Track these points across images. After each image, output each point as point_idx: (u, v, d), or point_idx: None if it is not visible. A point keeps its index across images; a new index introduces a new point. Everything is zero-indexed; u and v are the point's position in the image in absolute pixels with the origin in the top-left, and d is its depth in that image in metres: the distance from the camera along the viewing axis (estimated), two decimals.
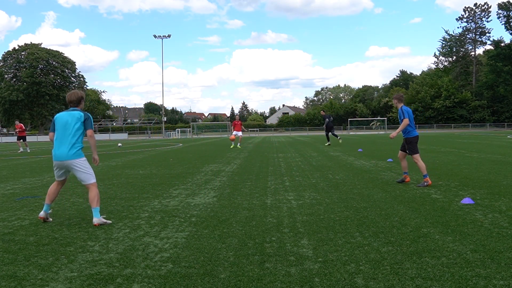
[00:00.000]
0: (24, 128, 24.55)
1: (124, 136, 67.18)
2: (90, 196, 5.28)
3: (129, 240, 4.41)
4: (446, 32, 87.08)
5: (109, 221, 5.25)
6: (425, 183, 7.37)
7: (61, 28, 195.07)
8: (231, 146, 23.13)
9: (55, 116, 5.43)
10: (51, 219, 5.44)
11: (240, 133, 23.97)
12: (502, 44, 74.17)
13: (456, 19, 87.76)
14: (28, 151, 23.85)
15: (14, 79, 75.81)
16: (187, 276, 3.34)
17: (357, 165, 11.40)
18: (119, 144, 31.15)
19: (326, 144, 21.81)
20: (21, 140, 23.74)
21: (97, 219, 5.14)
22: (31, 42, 79.06)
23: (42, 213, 5.35)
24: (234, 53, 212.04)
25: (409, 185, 7.69)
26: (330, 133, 22.18)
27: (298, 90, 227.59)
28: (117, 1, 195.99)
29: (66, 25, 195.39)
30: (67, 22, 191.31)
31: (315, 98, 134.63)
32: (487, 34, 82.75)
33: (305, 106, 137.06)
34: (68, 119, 5.30)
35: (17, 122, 24.96)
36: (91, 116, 5.54)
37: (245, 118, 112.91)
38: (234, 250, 3.97)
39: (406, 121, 7.56)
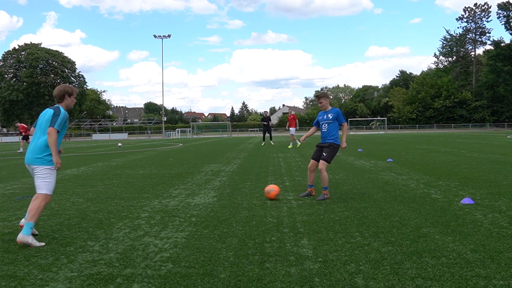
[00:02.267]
0: (26, 127, 24.40)
1: (124, 136, 67.19)
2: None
3: (129, 240, 4.41)
4: (447, 31, 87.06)
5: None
6: (326, 196, 6.50)
7: (62, 28, 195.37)
8: (289, 147, 20.75)
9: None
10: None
11: (293, 130, 21.88)
12: (502, 44, 74.15)
13: (456, 19, 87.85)
14: None
15: (14, 79, 75.78)
16: (187, 276, 3.34)
17: (357, 165, 11.39)
18: (119, 144, 31.16)
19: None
20: (25, 140, 23.65)
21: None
22: (31, 42, 79.04)
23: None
24: (234, 53, 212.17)
25: (409, 185, 7.69)
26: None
27: (298, 90, 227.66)
28: (118, 1, 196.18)
29: (67, 25, 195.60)
30: (68, 23, 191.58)
31: (315, 98, 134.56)
32: (487, 34, 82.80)
33: (305, 106, 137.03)
34: (43, 116, 4.74)
35: (17, 123, 24.85)
36: (62, 114, 4.67)
37: (245, 118, 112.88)
38: (234, 250, 3.97)
39: (346, 125, 6.84)
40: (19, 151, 22.98)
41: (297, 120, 22.22)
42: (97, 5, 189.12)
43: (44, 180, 4.59)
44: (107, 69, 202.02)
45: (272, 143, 24.21)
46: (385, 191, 7.10)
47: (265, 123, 23.30)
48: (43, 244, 4.32)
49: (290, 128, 21.86)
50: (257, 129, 77.00)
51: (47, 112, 4.74)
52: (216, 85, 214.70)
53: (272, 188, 6.59)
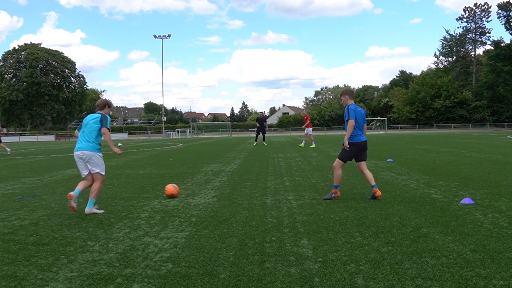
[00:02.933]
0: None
1: (124, 136, 67.18)
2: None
3: (129, 240, 4.41)
4: (447, 32, 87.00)
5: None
6: (333, 195, 6.45)
7: (62, 28, 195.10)
8: (312, 146, 20.76)
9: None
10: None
11: (310, 130, 21.71)
12: (502, 44, 74.11)
13: (456, 19, 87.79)
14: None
15: (14, 79, 75.76)
16: (187, 276, 3.34)
17: None
18: (119, 144, 31.14)
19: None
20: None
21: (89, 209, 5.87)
22: (31, 42, 79.01)
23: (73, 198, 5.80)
24: (234, 53, 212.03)
25: (409, 185, 7.69)
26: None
27: (298, 90, 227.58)
28: (119, 1, 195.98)
29: (67, 25, 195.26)
30: (69, 23, 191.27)
31: (315, 98, 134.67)
32: (487, 34, 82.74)
33: (305, 106, 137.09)
34: (90, 118, 6.19)
35: None
36: (108, 117, 6.27)
37: (245, 118, 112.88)
38: (234, 250, 3.97)
39: (351, 123, 6.33)
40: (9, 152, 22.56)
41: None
42: (97, 5, 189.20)
43: (100, 163, 6.05)
44: (107, 69, 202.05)
45: (265, 144, 24.42)
46: (385, 191, 7.10)
47: (258, 124, 23.64)
48: (103, 211, 5.96)
49: (308, 129, 21.65)
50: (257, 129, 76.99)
51: (93, 116, 6.15)
52: (216, 85, 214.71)
53: (169, 188, 6.93)
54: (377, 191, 6.34)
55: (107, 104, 6.38)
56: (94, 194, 5.89)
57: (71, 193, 5.70)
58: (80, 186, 5.96)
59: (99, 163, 6.01)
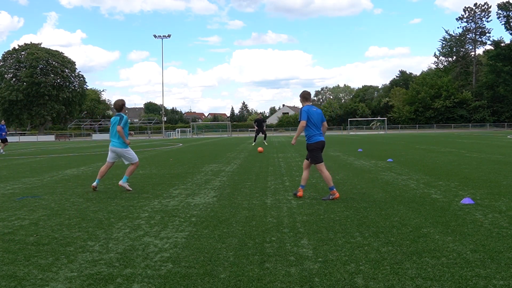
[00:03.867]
0: None
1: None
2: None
3: (129, 240, 4.41)
4: (446, 32, 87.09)
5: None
6: (331, 196, 6.41)
7: (63, 28, 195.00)
8: None
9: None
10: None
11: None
12: (502, 44, 74.16)
13: (456, 19, 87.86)
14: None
15: (14, 79, 75.75)
16: (187, 276, 3.34)
17: (357, 165, 11.40)
18: None
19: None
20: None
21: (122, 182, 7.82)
22: (31, 42, 79.01)
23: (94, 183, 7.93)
24: (234, 53, 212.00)
25: (409, 185, 7.69)
26: None
27: (298, 90, 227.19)
28: (119, 2, 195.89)
29: (67, 25, 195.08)
30: (69, 23, 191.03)
31: (315, 98, 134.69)
32: (487, 34, 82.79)
33: None
34: (113, 121, 7.91)
35: None
36: (125, 117, 7.85)
37: (245, 118, 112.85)
38: (234, 250, 3.97)
39: (302, 124, 6.48)
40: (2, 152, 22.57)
41: None
42: (97, 5, 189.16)
43: (130, 155, 7.90)
44: (108, 69, 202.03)
45: (265, 143, 24.83)
46: (385, 191, 7.10)
47: (257, 125, 24.07)
48: (131, 190, 7.79)
49: None
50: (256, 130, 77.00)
51: (114, 119, 7.85)
52: (216, 85, 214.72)
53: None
54: (300, 191, 6.69)
55: (123, 105, 7.91)
56: (129, 173, 7.87)
57: (94, 184, 7.89)
58: (99, 175, 7.93)
59: (130, 155, 7.88)
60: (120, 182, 7.82)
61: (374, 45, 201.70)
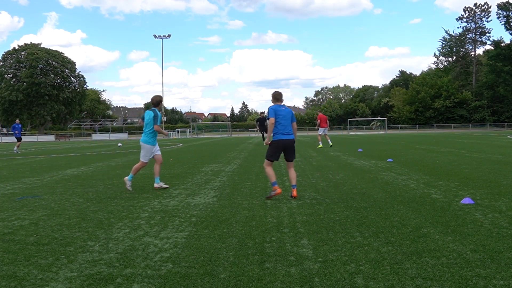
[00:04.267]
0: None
1: (124, 136, 67.19)
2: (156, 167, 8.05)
3: (129, 240, 4.41)
4: (446, 32, 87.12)
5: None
6: (272, 192, 6.60)
7: (63, 29, 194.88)
8: (318, 146, 20.49)
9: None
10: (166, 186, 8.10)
11: (321, 130, 21.08)
12: (502, 44, 74.16)
13: (456, 19, 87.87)
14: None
15: (14, 79, 75.74)
16: (187, 276, 3.34)
17: (357, 165, 11.39)
18: (119, 144, 31.16)
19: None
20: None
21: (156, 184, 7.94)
22: (31, 42, 78.99)
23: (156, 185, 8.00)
24: (234, 53, 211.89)
25: (409, 185, 7.69)
26: None
27: (298, 90, 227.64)
28: (119, 2, 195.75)
29: (68, 26, 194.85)
30: (69, 23, 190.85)
31: (315, 98, 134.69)
32: (487, 34, 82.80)
33: (305, 106, 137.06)
34: (147, 115, 7.93)
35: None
36: (159, 114, 7.92)
37: (245, 118, 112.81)
38: (234, 250, 3.97)
39: (270, 121, 6.63)
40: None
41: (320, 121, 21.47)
42: (98, 5, 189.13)
43: (143, 153, 8.01)
44: (108, 69, 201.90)
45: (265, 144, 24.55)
46: (385, 191, 7.10)
47: (259, 125, 24.09)
48: (167, 186, 8.13)
49: (322, 128, 21.09)
50: (257, 129, 77.04)
51: (150, 113, 7.85)
52: (216, 85, 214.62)
53: None
54: (293, 191, 6.67)
55: (161, 101, 8.08)
56: (156, 172, 8.03)
57: (158, 185, 8.04)
58: (155, 172, 8.07)
59: (144, 153, 8.00)
60: (156, 185, 7.93)
61: (374, 45, 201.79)
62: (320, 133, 21.21)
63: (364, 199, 6.43)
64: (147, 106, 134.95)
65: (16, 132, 23.23)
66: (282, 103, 6.87)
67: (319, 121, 21.29)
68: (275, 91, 6.98)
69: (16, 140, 23.51)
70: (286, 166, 7.05)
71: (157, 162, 8.05)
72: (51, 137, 64.93)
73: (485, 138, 28.59)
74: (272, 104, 6.86)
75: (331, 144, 20.64)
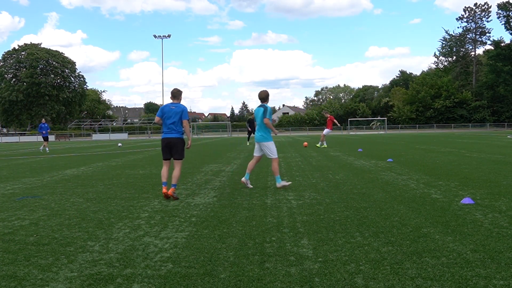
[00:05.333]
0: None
1: (124, 136, 67.18)
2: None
3: (129, 240, 4.41)
4: (446, 32, 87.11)
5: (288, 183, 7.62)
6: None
7: (63, 29, 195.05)
8: (323, 146, 20.44)
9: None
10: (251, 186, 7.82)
11: (328, 130, 20.99)
12: (502, 44, 74.11)
13: (456, 19, 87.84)
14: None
15: (14, 79, 75.74)
16: (187, 276, 3.34)
17: (357, 165, 11.39)
18: (119, 144, 31.16)
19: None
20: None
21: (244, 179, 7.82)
22: (31, 42, 78.98)
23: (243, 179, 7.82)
24: (234, 53, 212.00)
25: (409, 185, 7.69)
26: None
27: (298, 90, 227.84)
28: (119, 2, 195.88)
29: (68, 26, 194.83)
30: (70, 23, 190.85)
31: (315, 98, 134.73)
32: (487, 34, 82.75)
33: (305, 106, 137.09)
34: (257, 113, 7.73)
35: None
36: (269, 108, 7.73)
37: (245, 118, 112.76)
38: (234, 250, 3.97)
39: (155, 120, 7.09)
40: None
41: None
42: (98, 5, 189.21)
43: (271, 149, 7.65)
44: (108, 69, 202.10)
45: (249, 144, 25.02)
46: (385, 191, 7.10)
47: (250, 126, 24.38)
48: (290, 183, 7.73)
49: (328, 129, 20.99)
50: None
51: (259, 110, 7.67)
52: (216, 85, 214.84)
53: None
54: (169, 190, 6.72)
55: (268, 96, 7.78)
56: (276, 171, 7.60)
57: (243, 179, 7.88)
58: (249, 167, 7.92)
59: (271, 149, 7.67)
60: (278, 184, 7.54)
61: (374, 45, 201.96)
62: (325, 133, 21.05)
63: (364, 199, 6.43)
64: (147, 106, 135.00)
65: (44, 132, 23.48)
66: (176, 101, 6.95)
67: (334, 121, 21.04)
68: (174, 89, 7.05)
69: (43, 140, 23.86)
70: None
71: (257, 160, 7.95)
72: (51, 137, 64.88)
73: (485, 138, 28.58)
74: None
75: (325, 146, 20.72)
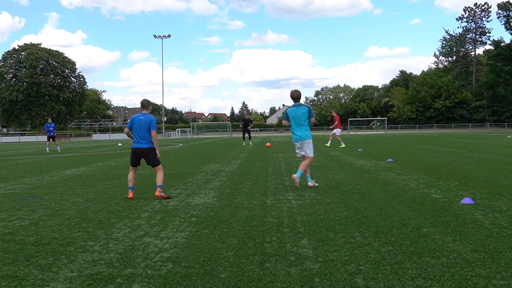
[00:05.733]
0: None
1: (124, 136, 67.11)
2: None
3: (129, 240, 4.41)
4: (446, 32, 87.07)
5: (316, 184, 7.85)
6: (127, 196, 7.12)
7: (63, 29, 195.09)
8: (341, 146, 20.21)
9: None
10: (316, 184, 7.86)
11: (338, 131, 21.02)
12: (502, 44, 74.05)
13: (456, 19, 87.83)
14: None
15: (14, 79, 75.70)
16: (187, 276, 3.34)
17: (357, 165, 11.39)
18: (119, 144, 31.15)
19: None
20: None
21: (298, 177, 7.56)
22: (31, 42, 78.93)
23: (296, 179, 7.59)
24: (235, 53, 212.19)
25: (409, 185, 7.69)
26: None
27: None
28: (120, 2, 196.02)
29: (68, 26, 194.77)
30: (70, 23, 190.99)
31: (315, 98, 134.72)
32: (487, 34, 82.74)
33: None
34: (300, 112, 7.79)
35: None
36: (310, 108, 7.87)
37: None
38: (234, 250, 3.97)
39: (125, 130, 7.41)
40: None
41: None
42: (98, 6, 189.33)
43: (312, 148, 7.85)
44: (108, 69, 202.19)
45: (251, 144, 25.40)
46: (385, 191, 7.10)
47: (243, 125, 25.05)
48: (317, 184, 7.89)
49: (338, 129, 21.01)
50: (257, 129, 77.07)
51: (300, 110, 7.73)
52: (216, 85, 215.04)
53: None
54: (129, 193, 7.01)
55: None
56: (306, 169, 7.77)
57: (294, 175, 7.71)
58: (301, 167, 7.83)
59: (312, 148, 7.91)
60: (310, 183, 7.76)
61: (374, 45, 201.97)
62: (338, 134, 20.99)
63: (364, 199, 6.43)
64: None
65: (51, 130, 23.58)
66: (146, 111, 7.14)
67: (336, 122, 20.93)
68: (143, 99, 7.24)
69: (51, 140, 23.77)
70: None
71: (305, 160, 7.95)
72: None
73: (485, 138, 28.58)
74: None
75: (329, 145, 20.82)
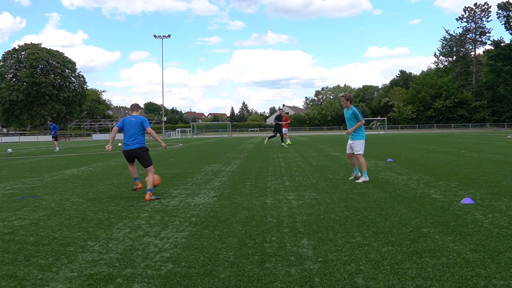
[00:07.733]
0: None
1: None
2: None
3: (129, 240, 4.41)
4: (446, 31, 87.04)
5: None
6: (135, 186, 7.62)
7: (64, 29, 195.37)
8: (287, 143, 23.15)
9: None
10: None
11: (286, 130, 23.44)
12: (502, 44, 74.08)
13: (456, 19, 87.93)
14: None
15: (14, 79, 75.67)
16: (187, 276, 3.34)
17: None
18: (120, 144, 31.14)
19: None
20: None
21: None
22: (31, 42, 78.90)
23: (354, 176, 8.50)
24: (235, 53, 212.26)
25: (409, 185, 7.69)
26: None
27: (298, 90, 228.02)
28: (121, 2, 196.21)
29: (69, 26, 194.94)
30: (71, 24, 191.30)
31: (315, 98, 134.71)
32: (487, 34, 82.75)
33: (305, 106, 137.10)
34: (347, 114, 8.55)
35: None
36: (359, 110, 8.44)
37: (245, 118, 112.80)
38: (234, 250, 3.97)
39: (113, 129, 7.55)
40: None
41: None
42: (99, 6, 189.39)
43: (361, 146, 8.35)
44: (108, 69, 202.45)
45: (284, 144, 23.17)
46: (385, 191, 7.10)
47: (279, 123, 22.85)
48: (366, 179, 8.20)
49: (284, 129, 23.01)
50: (257, 129, 77.01)
51: (351, 113, 8.34)
52: (216, 85, 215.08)
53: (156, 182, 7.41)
54: (138, 184, 7.54)
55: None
56: (364, 166, 8.25)
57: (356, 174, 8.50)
58: (354, 163, 8.64)
59: (362, 145, 8.43)
60: (361, 180, 8.17)
61: (374, 45, 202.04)
62: (286, 133, 23.19)
63: (364, 199, 6.43)
64: (147, 106, 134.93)
65: (53, 132, 23.86)
66: (135, 113, 7.32)
67: (284, 122, 22.75)
68: (133, 104, 7.53)
69: (54, 140, 24.32)
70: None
71: (350, 157, 8.64)
72: (51, 137, 64.86)
73: (485, 138, 28.58)
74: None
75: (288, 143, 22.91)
